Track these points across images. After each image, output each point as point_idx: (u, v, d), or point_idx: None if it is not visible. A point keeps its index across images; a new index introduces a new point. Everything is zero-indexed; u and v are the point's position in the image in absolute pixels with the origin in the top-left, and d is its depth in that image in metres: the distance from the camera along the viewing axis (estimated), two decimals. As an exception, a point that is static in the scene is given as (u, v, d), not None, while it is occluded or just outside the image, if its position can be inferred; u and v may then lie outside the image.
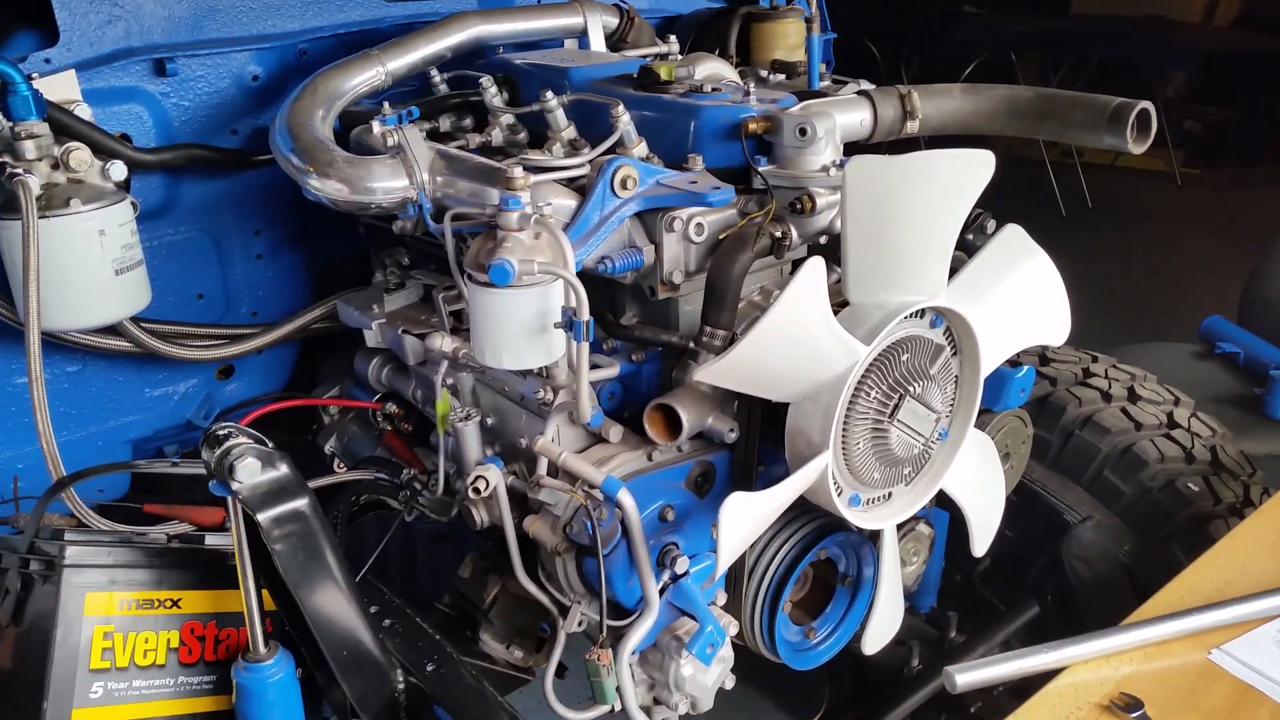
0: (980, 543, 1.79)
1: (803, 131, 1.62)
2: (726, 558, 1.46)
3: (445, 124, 2.01)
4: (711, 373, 1.43)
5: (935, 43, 7.88)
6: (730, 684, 1.73)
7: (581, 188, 1.64)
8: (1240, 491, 2.19)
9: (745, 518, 1.46)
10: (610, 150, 1.69)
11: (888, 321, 1.45)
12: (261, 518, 1.40)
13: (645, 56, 2.24)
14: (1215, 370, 3.36)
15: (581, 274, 1.52)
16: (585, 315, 1.45)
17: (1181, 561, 1.88)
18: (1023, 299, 1.62)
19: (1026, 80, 7.97)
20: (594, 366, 1.65)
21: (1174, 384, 2.48)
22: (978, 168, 1.45)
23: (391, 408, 2.08)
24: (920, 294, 1.48)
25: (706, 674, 1.66)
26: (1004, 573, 2.35)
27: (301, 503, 1.43)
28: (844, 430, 1.50)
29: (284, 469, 1.44)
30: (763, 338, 1.37)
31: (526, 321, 1.47)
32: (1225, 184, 7.85)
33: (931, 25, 8.08)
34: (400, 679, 1.61)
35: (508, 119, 1.92)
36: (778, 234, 1.60)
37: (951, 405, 1.64)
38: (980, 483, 1.75)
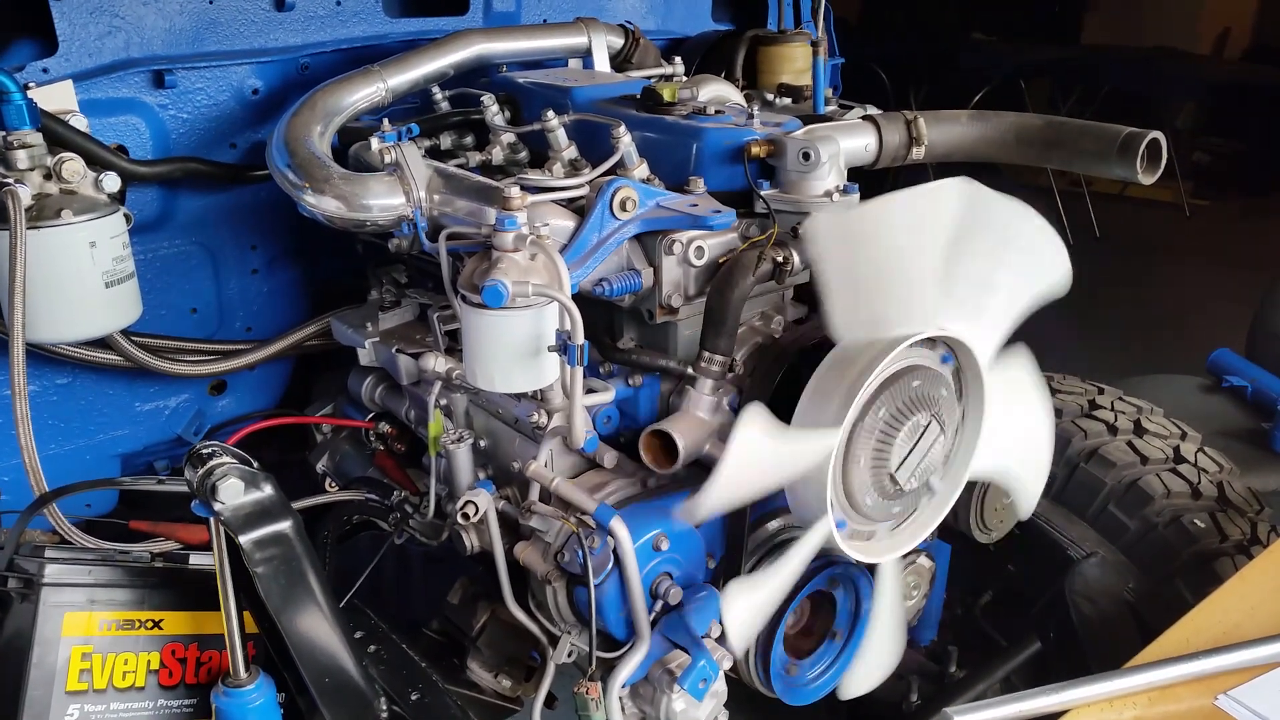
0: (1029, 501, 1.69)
1: (806, 156, 1.60)
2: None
3: (446, 142, 1.99)
4: (697, 513, 1.40)
5: (944, 70, 7.88)
6: (724, 719, 1.69)
7: (580, 208, 1.62)
8: (1247, 529, 2.14)
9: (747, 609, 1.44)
10: (611, 171, 1.67)
11: (879, 360, 1.39)
12: (243, 540, 1.36)
13: (650, 78, 2.23)
14: (1222, 404, 3.32)
15: (578, 296, 1.49)
16: (580, 339, 1.42)
17: (1187, 600, 1.84)
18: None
19: (1035, 109, 7.97)
20: (590, 391, 1.62)
21: (1180, 417, 2.44)
22: (941, 200, 1.37)
23: (384, 427, 2.05)
24: (911, 327, 1.43)
25: (699, 709, 1.61)
26: (1006, 607, 2.30)
27: (285, 525, 1.40)
28: (845, 464, 1.47)
29: (268, 490, 1.41)
30: (728, 483, 1.34)
31: (519, 344, 1.44)
32: (1234, 216, 7.83)
33: (940, 52, 8.09)
34: (384, 708, 1.56)
35: (509, 138, 1.90)
36: (779, 259, 1.57)
37: (955, 441, 1.60)
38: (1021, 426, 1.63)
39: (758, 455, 1.35)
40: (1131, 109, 7.72)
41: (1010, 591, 2.22)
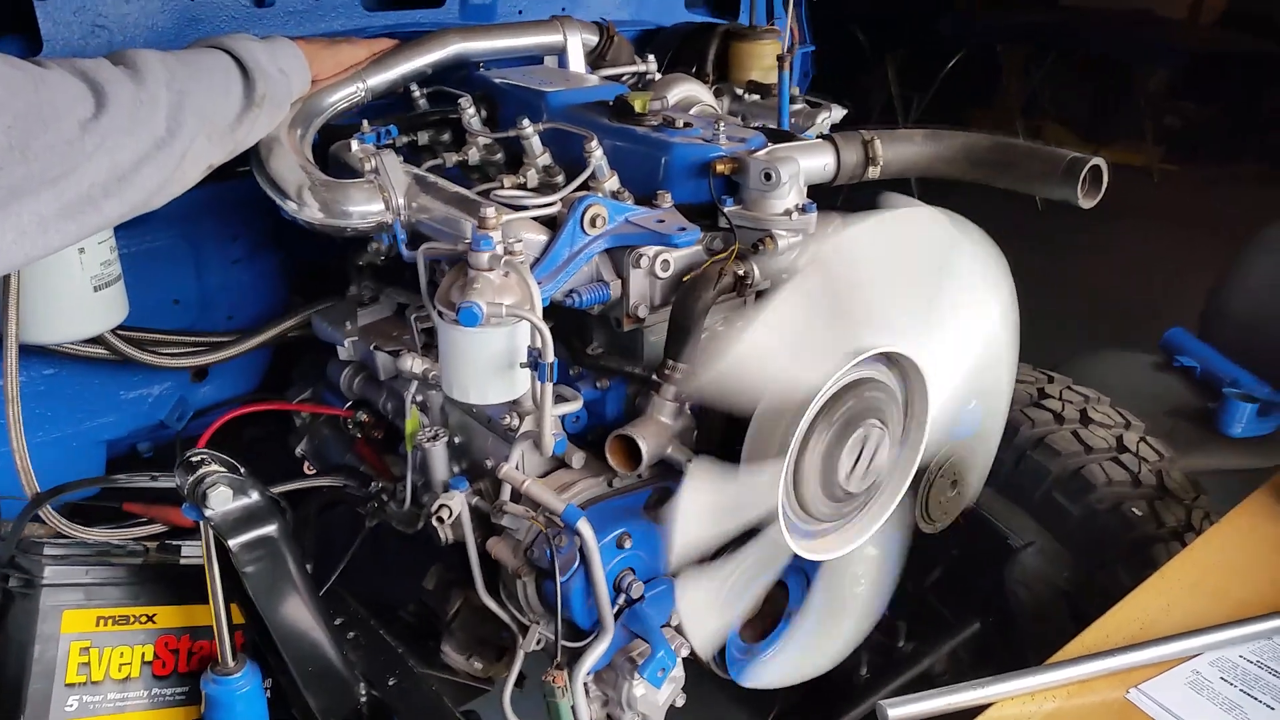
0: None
1: (768, 176, 1.67)
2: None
3: (424, 138, 2.05)
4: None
5: (922, 33, 7.88)
6: (681, 702, 1.81)
7: (552, 221, 1.69)
8: (1183, 515, 2.26)
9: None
10: (584, 186, 1.73)
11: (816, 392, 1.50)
12: (232, 544, 1.45)
13: (623, 76, 2.28)
14: (1172, 383, 3.42)
15: (550, 306, 1.57)
16: (550, 357, 1.50)
17: (1125, 584, 1.96)
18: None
19: (1011, 73, 8.00)
20: (560, 399, 1.71)
21: (1130, 395, 2.53)
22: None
23: (362, 416, 2.12)
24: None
25: (658, 694, 1.73)
26: (953, 584, 2.43)
27: (271, 529, 1.49)
28: (795, 485, 1.56)
29: (255, 496, 1.49)
30: (685, 536, 1.48)
31: (493, 359, 1.52)
32: (1202, 182, 7.92)
33: (919, 15, 8.07)
34: (363, 692, 1.67)
35: (485, 140, 1.96)
36: (740, 272, 1.66)
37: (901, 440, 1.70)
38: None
39: (709, 504, 1.47)
40: (1106, 73, 7.78)
41: (955, 573, 2.34)
